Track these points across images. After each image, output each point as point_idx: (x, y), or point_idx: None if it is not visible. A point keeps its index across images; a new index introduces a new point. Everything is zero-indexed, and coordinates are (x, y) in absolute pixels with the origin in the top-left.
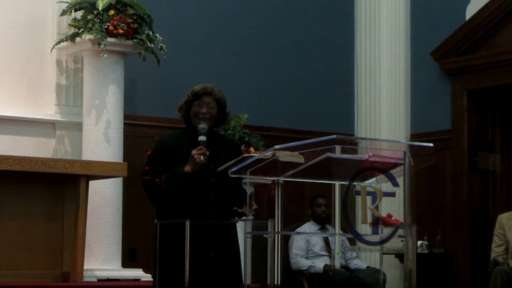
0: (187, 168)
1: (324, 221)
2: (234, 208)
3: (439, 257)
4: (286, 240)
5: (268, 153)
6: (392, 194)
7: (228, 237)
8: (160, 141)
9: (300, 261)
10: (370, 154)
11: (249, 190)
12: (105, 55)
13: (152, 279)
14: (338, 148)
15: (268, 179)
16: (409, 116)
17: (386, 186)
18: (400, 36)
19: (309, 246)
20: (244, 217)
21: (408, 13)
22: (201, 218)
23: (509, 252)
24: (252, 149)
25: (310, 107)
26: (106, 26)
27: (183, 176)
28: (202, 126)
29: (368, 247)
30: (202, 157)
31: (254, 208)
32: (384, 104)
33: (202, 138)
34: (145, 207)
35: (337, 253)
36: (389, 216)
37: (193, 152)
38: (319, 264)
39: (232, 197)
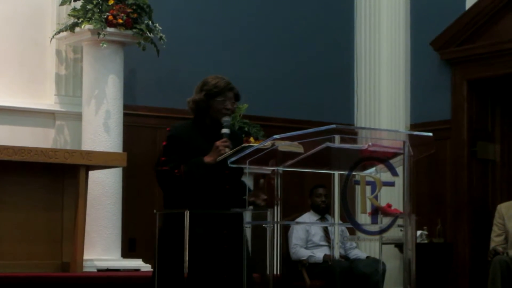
0: (209, 159)
1: (323, 211)
2: (244, 197)
3: (439, 247)
4: (285, 230)
5: (268, 143)
6: (392, 184)
7: (240, 228)
8: (174, 131)
9: (300, 251)
10: (370, 143)
11: (249, 180)
12: (105, 45)
13: (152, 269)
14: (337, 137)
15: (267, 169)
16: (409, 106)
17: (386, 176)
18: (400, 26)
19: (308, 236)
20: (251, 207)
21: (408, 3)
22: (217, 209)
23: (508, 242)
24: (252, 139)
25: (310, 97)
26: (105, 16)
27: (205, 167)
28: (227, 118)
29: (368, 237)
30: (226, 149)
31: (263, 198)
32: (384, 94)
33: (226, 130)
34: (145, 197)
35: (337, 243)
36: (389, 205)
37: (218, 143)
38: (319, 254)
39: (236, 188)
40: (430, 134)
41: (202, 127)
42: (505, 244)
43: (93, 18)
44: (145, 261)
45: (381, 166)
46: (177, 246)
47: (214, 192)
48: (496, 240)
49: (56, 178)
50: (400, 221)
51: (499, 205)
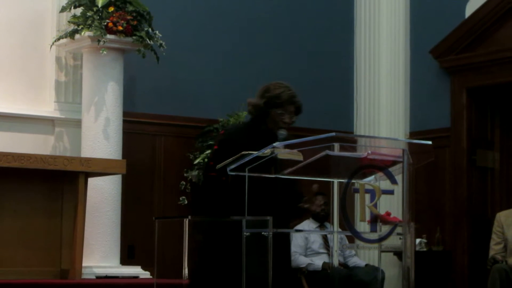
0: None
1: (323, 219)
2: (300, 205)
3: (437, 255)
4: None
5: (267, 151)
6: (391, 192)
7: (286, 237)
8: (227, 136)
9: (299, 259)
10: (369, 151)
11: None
12: (105, 52)
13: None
14: (337, 145)
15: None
16: (408, 113)
17: (385, 184)
18: (400, 34)
19: (308, 244)
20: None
21: (408, 11)
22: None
23: (507, 250)
24: None
25: (309, 105)
26: (105, 23)
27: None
28: (283, 132)
29: (367, 245)
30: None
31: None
32: (383, 102)
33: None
34: (144, 204)
35: (336, 251)
36: (388, 214)
37: None
38: (318, 261)
39: (290, 196)
40: (430, 142)
41: (257, 132)
42: (504, 252)
43: (93, 25)
44: (144, 268)
45: (380, 174)
46: (222, 253)
47: (263, 200)
48: (495, 249)
49: (55, 185)
50: (399, 229)
51: (498, 214)
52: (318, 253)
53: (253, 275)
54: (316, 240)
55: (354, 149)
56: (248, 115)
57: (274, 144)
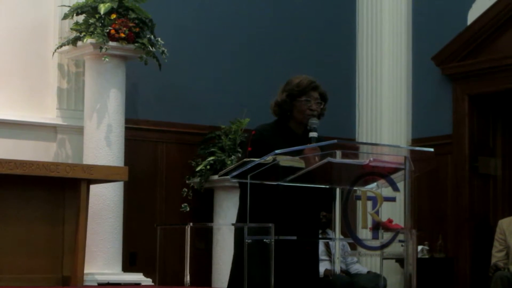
0: None
1: (325, 226)
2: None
3: (439, 262)
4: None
5: (269, 158)
6: (393, 199)
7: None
8: (259, 135)
9: None
10: (371, 159)
11: None
12: (107, 59)
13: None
14: (339, 152)
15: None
16: (410, 120)
17: (387, 191)
18: (402, 41)
19: None
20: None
21: (410, 18)
22: (297, 223)
23: (509, 258)
24: None
25: None
26: (107, 30)
27: None
28: (315, 121)
29: (369, 252)
30: (316, 157)
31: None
32: (385, 109)
33: (314, 134)
34: (146, 211)
35: (337, 258)
36: (390, 221)
37: (307, 150)
38: (320, 268)
39: (322, 201)
40: (432, 149)
41: (286, 130)
42: (506, 259)
43: (95, 32)
44: (146, 275)
45: (382, 181)
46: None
47: (295, 205)
48: (497, 256)
49: (57, 191)
50: (401, 236)
51: (500, 221)
52: (320, 260)
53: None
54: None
55: (356, 156)
56: (274, 116)
57: (309, 134)
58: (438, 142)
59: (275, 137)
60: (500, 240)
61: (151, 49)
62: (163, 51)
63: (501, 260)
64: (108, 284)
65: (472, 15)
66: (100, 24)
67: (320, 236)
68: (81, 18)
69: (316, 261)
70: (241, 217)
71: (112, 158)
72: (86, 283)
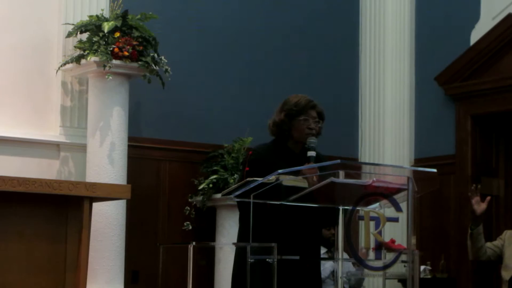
0: None
1: (331, 245)
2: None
3: (442, 282)
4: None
5: (272, 177)
6: (396, 220)
7: (318, 264)
8: (257, 155)
9: None
10: (374, 179)
11: None
12: (110, 77)
13: None
14: (342, 172)
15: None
16: (413, 140)
17: (390, 211)
18: (405, 61)
19: None
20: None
21: (413, 38)
22: (298, 242)
23: (503, 264)
24: None
25: None
26: (111, 48)
27: None
28: (313, 140)
29: (371, 272)
30: (314, 177)
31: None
32: (388, 129)
33: (312, 153)
34: (148, 230)
35: (340, 277)
36: (392, 241)
37: (306, 171)
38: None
39: (324, 218)
40: (434, 170)
41: (284, 150)
42: (492, 252)
43: (99, 50)
44: None
45: (385, 201)
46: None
47: (296, 223)
48: (488, 245)
49: (60, 209)
50: (403, 257)
51: (506, 230)
52: (324, 282)
53: None
54: (326, 267)
55: (359, 176)
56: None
57: (308, 153)
58: (441, 162)
59: (273, 157)
60: (497, 243)
61: (154, 67)
62: (166, 70)
63: (489, 247)
64: None
65: (475, 35)
66: (104, 42)
67: (327, 254)
68: (85, 36)
69: (318, 278)
70: (241, 238)
71: (115, 176)
72: None
